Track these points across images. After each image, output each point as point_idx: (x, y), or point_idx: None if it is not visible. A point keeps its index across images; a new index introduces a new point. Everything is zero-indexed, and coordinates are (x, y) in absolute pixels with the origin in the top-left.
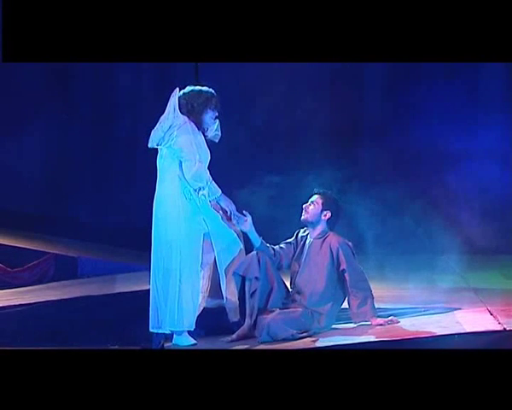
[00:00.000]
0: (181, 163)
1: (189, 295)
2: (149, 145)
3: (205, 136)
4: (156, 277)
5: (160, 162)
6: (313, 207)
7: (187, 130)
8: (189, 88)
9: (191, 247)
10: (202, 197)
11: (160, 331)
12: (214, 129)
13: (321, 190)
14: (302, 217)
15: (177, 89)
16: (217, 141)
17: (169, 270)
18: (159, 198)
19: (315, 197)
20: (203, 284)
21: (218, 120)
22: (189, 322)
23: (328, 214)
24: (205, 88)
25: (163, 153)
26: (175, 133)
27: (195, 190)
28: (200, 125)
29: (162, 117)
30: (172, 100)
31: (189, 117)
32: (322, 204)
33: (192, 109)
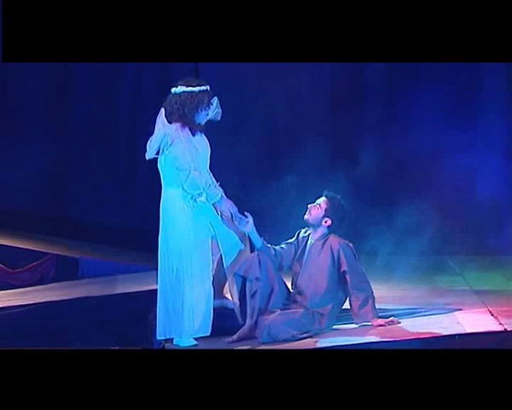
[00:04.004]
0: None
1: (202, 300)
2: (147, 157)
3: (205, 121)
4: (165, 284)
5: (161, 169)
6: (316, 210)
7: (180, 139)
8: (180, 88)
9: (201, 252)
10: (201, 203)
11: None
12: (213, 108)
13: (329, 195)
14: (305, 216)
15: (163, 109)
16: (219, 119)
17: (179, 277)
18: (165, 203)
19: (321, 200)
20: None
21: (215, 99)
22: (205, 327)
23: (329, 222)
24: (196, 88)
25: (162, 160)
26: (169, 142)
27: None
28: (194, 129)
29: (153, 136)
30: (160, 119)
31: (181, 123)
32: (326, 210)
33: (183, 115)
